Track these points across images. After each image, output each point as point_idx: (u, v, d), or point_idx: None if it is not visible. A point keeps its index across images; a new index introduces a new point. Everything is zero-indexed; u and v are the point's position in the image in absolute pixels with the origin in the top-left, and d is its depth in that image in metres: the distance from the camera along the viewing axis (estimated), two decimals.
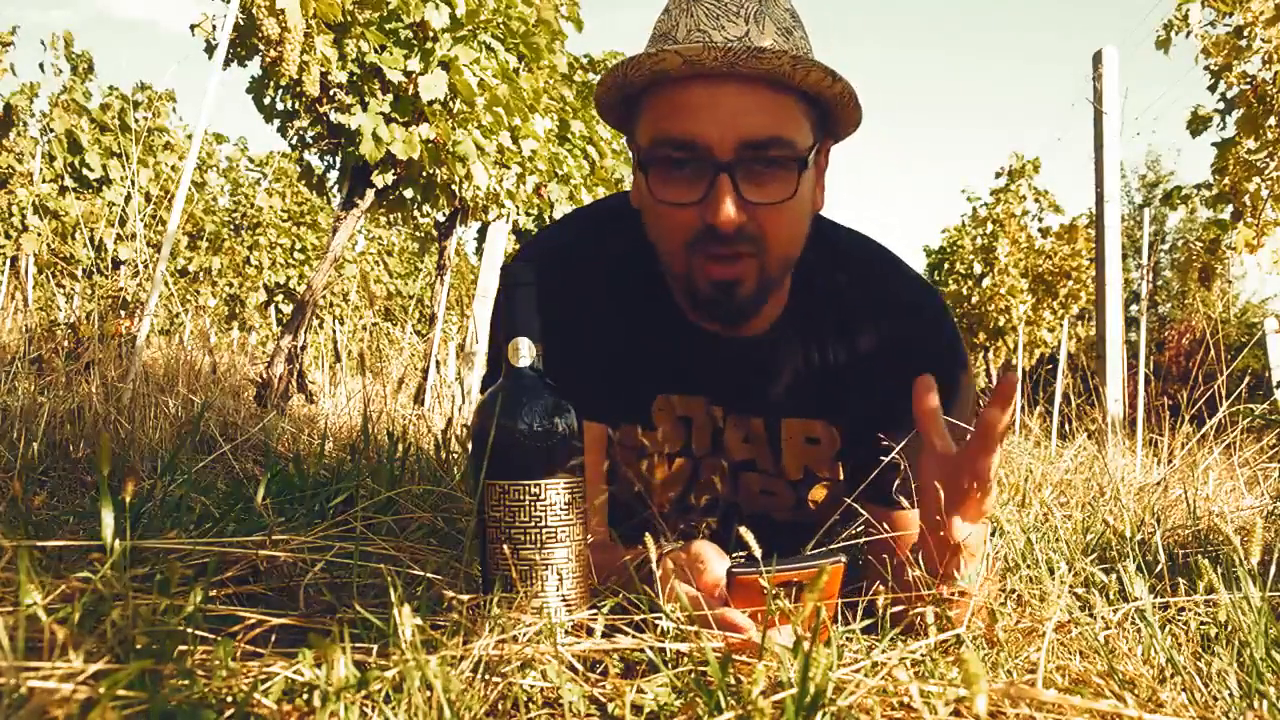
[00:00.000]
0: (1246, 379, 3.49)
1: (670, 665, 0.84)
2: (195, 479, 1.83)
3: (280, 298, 13.11)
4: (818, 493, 1.36)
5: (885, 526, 1.19)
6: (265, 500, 1.45)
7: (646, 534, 1.00)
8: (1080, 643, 0.99)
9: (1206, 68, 4.90)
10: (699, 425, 1.35)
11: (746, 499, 1.38)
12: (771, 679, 0.77)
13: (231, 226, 12.76)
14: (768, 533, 1.00)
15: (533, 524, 0.95)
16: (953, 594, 1.02)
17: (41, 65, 8.01)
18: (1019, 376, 1.08)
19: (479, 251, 7.42)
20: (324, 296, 10.38)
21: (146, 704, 0.65)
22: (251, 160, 13.55)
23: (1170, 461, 2.77)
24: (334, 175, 4.65)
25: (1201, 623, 1.06)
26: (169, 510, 1.50)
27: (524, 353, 0.99)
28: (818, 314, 1.31)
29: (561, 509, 0.96)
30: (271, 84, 4.18)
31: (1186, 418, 2.87)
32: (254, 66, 4.08)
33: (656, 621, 0.91)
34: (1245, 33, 4.72)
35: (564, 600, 0.95)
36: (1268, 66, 4.69)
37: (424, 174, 4.43)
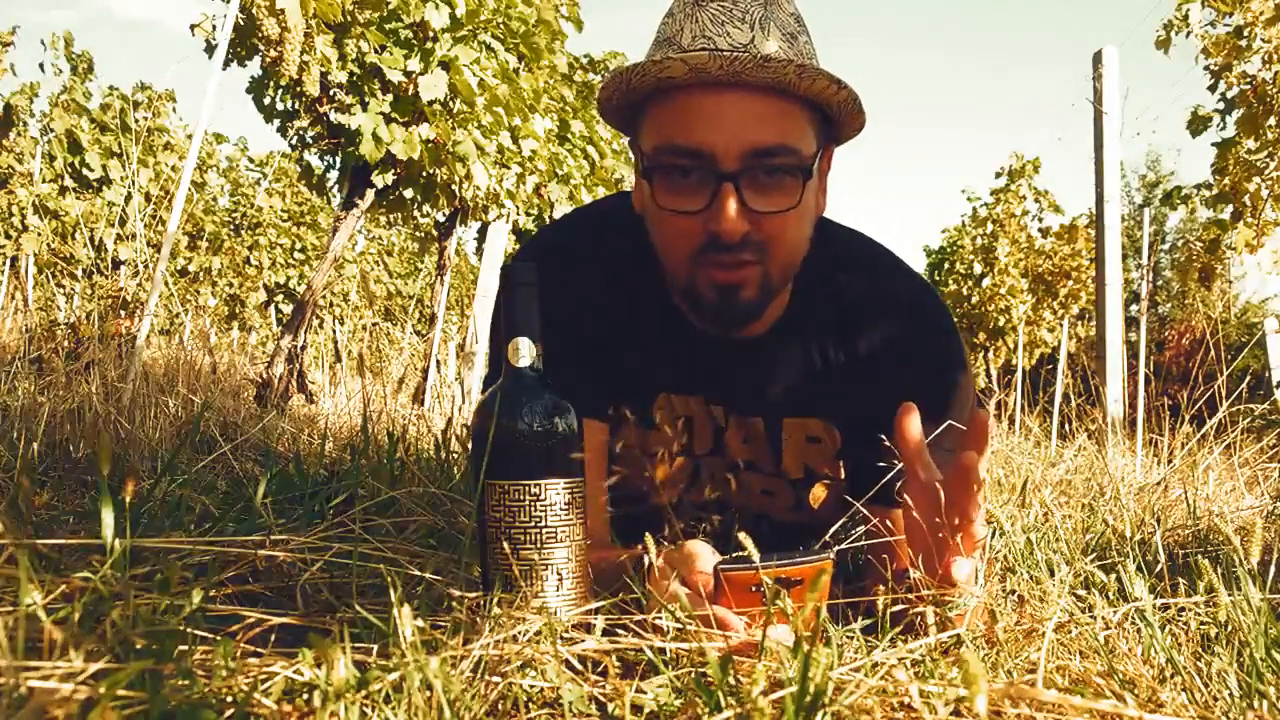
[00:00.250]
0: (1246, 379, 3.49)
1: (670, 665, 0.84)
2: (195, 479, 1.83)
3: (280, 298, 13.11)
4: (818, 492, 1.36)
5: (886, 526, 1.19)
6: (265, 500, 1.45)
7: (647, 534, 1.00)
8: (1080, 643, 0.99)
9: (1206, 68, 4.90)
10: (700, 425, 1.35)
11: (747, 499, 1.38)
12: (771, 678, 0.77)
13: (231, 226, 12.75)
14: (768, 533, 1.00)
15: (533, 524, 0.95)
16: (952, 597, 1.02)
17: (41, 65, 8.02)
18: (989, 415, 1.08)
19: (479, 251, 7.42)
20: (324, 296, 10.38)
21: (146, 704, 0.65)
22: (251, 160, 13.55)
23: (1170, 461, 2.78)
24: (334, 175, 4.65)
25: (1201, 623, 1.06)
26: (169, 510, 1.50)
27: (524, 353, 0.99)
28: (818, 314, 1.31)
29: (561, 509, 0.96)
30: (271, 84, 4.18)
31: (1186, 418, 2.87)
32: (254, 66, 4.08)
33: (655, 621, 0.91)
34: (1245, 33, 4.72)
35: (564, 600, 0.95)
36: (1268, 66, 4.69)
37: (424, 174, 4.43)
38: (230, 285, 11.98)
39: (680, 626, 0.88)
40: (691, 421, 1.35)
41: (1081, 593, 1.19)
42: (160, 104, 9.25)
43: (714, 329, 1.26)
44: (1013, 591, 1.19)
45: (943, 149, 70.04)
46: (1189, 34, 4.93)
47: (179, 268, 11.00)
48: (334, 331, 10.55)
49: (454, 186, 4.60)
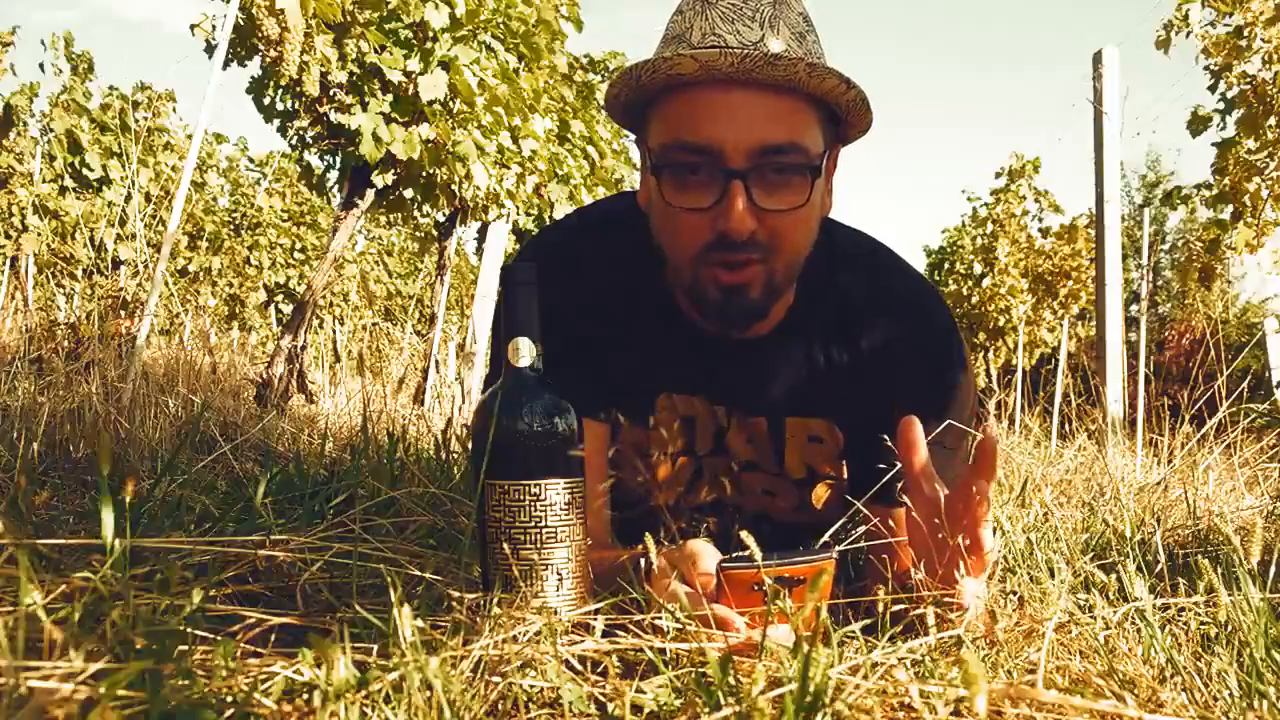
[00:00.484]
0: (1246, 379, 3.49)
1: (670, 665, 0.84)
2: (195, 479, 1.83)
3: (280, 298, 13.10)
4: (820, 493, 1.36)
5: (888, 525, 1.19)
6: (265, 500, 1.45)
7: (647, 534, 1.00)
8: (1080, 643, 0.99)
9: (1206, 68, 4.90)
10: (702, 425, 1.35)
11: (749, 499, 1.38)
12: (771, 678, 0.77)
13: (231, 226, 12.75)
14: (769, 533, 1.00)
15: (533, 524, 0.95)
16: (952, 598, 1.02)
17: (41, 65, 8.02)
18: (998, 440, 1.07)
19: (479, 251, 7.41)
20: (324, 296, 10.38)
21: (146, 704, 0.65)
22: (251, 160, 13.55)
23: (1170, 461, 2.78)
24: (334, 175, 4.64)
25: (1201, 623, 1.07)
26: (169, 510, 1.50)
27: (524, 353, 0.99)
28: (820, 313, 1.31)
29: (561, 509, 0.96)
30: (271, 84, 4.17)
31: (1186, 418, 2.87)
32: (254, 66, 4.08)
33: (655, 621, 0.91)
34: (1245, 33, 4.72)
35: (564, 600, 0.95)
36: (1268, 66, 4.69)
37: (424, 174, 4.43)
38: (230, 285, 11.98)
39: (680, 626, 0.88)
40: (694, 421, 1.35)
41: (1081, 593, 1.19)
42: (160, 104, 9.25)
43: (717, 328, 1.26)
44: (1013, 591, 1.19)
45: (943, 149, 70.07)
46: (1189, 34, 4.93)
47: (179, 268, 11.00)
48: (334, 331, 10.54)
49: (454, 186, 4.60)
